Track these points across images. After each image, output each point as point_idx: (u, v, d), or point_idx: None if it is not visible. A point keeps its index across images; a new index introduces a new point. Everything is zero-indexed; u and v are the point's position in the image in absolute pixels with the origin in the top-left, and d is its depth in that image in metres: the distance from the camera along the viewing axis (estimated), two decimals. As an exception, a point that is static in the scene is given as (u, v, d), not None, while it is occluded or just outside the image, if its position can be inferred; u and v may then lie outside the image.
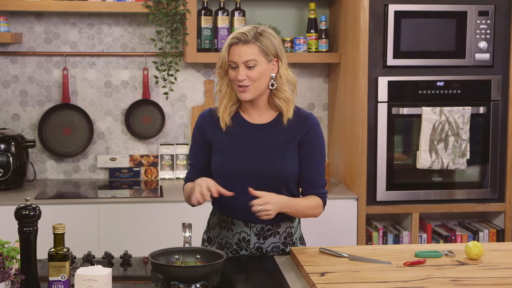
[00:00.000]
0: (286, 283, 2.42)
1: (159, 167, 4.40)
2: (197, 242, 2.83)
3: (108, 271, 2.12)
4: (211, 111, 2.76)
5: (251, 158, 2.68)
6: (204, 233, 2.88)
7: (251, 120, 2.72)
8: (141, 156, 4.41)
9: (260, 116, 2.72)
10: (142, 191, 4.18)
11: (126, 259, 2.62)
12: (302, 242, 2.86)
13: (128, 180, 4.36)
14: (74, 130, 4.34)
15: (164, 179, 4.39)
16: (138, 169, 4.40)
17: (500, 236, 4.06)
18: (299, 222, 2.85)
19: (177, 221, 3.72)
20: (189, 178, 2.80)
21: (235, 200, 2.65)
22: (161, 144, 4.42)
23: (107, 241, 3.75)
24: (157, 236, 3.77)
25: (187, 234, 2.50)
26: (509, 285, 2.34)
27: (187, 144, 4.42)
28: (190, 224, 2.54)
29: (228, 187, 2.62)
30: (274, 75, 2.69)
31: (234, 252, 2.74)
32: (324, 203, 2.76)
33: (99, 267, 2.14)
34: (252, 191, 2.57)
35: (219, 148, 2.71)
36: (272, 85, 2.69)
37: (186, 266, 2.33)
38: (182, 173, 4.39)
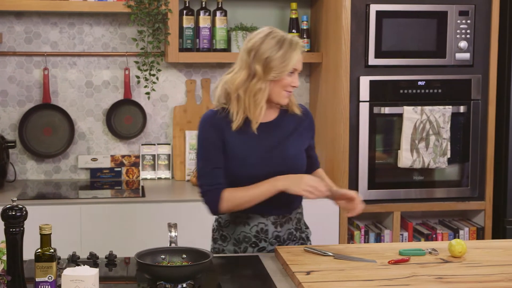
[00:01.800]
0: (272, 282, 2.43)
1: (140, 167, 4.39)
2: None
3: (95, 271, 2.12)
4: (216, 113, 2.75)
5: (270, 153, 2.75)
6: (214, 232, 2.91)
7: (262, 119, 2.77)
8: (123, 156, 4.40)
9: (267, 114, 2.78)
10: (124, 191, 4.17)
11: (111, 260, 2.62)
12: (307, 227, 2.97)
13: (109, 181, 4.34)
14: (55, 131, 4.32)
15: (146, 179, 4.38)
16: (120, 169, 4.39)
17: (480, 234, 4.10)
18: (302, 209, 2.95)
19: (159, 221, 3.73)
20: (221, 183, 2.74)
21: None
22: (142, 144, 4.41)
23: (89, 242, 3.73)
24: (140, 236, 3.76)
25: (173, 233, 2.50)
26: (493, 282, 2.36)
27: (169, 144, 4.41)
28: (176, 223, 2.54)
29: (244, 185, 2.71)
30: None
31: (253, 245, 2.80)
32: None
33: (86, 267, 2.14)
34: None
35: (231, 151, 2.73)
36: None
37: (173, 266, 2.33)
38: (164, 173, 4.39)
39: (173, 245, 2.47)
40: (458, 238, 4.06)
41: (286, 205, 2.82)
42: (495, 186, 4.10)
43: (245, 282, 2.45)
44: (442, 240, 4.05)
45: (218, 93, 2.78)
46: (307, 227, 2.98)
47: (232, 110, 2.73)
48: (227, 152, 2.73)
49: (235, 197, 2.71)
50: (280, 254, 2.65)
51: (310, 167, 2.90)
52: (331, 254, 2.63)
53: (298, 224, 2.89)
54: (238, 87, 2.71)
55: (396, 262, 2.56)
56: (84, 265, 2.20)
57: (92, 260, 2.57)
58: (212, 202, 2.73)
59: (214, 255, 2.71)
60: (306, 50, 2.72)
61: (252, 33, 2.79)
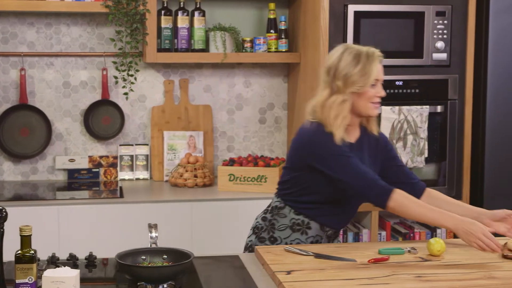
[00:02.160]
0: (253, 281, 2.43)
1: (118, 168, 4.38)
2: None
3: (76, 272, 2.11)
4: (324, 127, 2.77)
5: None
6: (262, 231, 2.91)
7: (347, 138, 2.79)
8: (100, 157, 4.38)
9: (353, 133, 2.84)
10: (102, 192, 4.15)
11: (91, 261, 2.60)
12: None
13: (87, 181, 4.32)
14: (32, 131, 4.29)
15: (124, 179, 4.37)
16: (98, 170, 4.37)
17: (457, 233, 4.12)
18: None
19: (138, 222, 3.73)
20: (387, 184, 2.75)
21: (334, 217, 2.87)
22: (120, 145, 4.40)
23: (67, 243, 3.71)
24: (119, 237, 3.75)
25: (154, 234, 2.49)
26: (472, 280, 2.38)
27: (147, 145, 4.40)
28: (156, 224, 2.54)
29: (319, 207, 2.82)
30: None
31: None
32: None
33: (67, 268, 2.13)
34: None
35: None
36: None
37: (154, 267, 2.33)
38: (142, 174, 4.38)
39: (153, 245, 2.47)
40: (436, 236, 4.08)
41: (347, 222, 2.97)
42: (472, 185, 4.13)
43: (226, 282, 2.45)
44: (419, 239, 4.07)
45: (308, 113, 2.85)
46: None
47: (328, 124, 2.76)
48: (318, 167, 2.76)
49: (408, 206, 2.69)
50: (261, 254, 2.66)
51: (405, 182, 2.88)
52: (311, 253, 2.64)
53: (338, 236, 3.00)
54: (323, 104, 2.76)
55: (376, 261, 2.57)
56: (64, 266, 2.19)
57: (72, 261, 2.56)
58: (383, 191, 2.70)
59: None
60: (382, 56, 2.79)
61: (330, 53, 2.84)
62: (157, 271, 2.28)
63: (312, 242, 2.86)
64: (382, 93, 2.78)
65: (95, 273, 2.55)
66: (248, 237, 2.99)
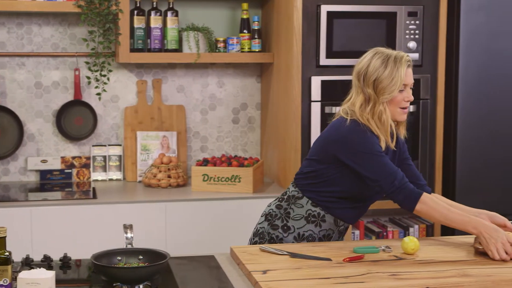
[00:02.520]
0: (229, 281, 2.43)
1: (91, 169, 4.36)
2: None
3: (51, 274, 2.10)
4: (365, 126, 2.79)
5: None
6: (276, 219, 2.93)
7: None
8: (73, 158, 4.35)
9: None
10: (75, 193, 4.12)
11: (66, 262, 2.59)
12: None
13: (59, 182, 4.30)
14: (4, 132, 4.25)
15: (97, 180, 4.35)
16: (70, 170, 4.34)
17: (429, 231, 4.16)
18: None
19: (112, 223, 3.72)
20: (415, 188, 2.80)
21: (352, 209, 2.92)
22: (93, 145, 4.37)
23: (41, 245, 3.68)
24: (92, 238, 3.73)
25: (129, 235, 2.49)
26: (446, 278, 2.41)
27: (120, 145, 4.38)
28: (131, 225, 2.53)
29: (338, 201, 2.87)
30: None
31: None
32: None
33: (42, 270, 2.11)
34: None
35: None
36: None
37: (130, 267, 2.32)
38: (115, 174, 4.36)
39: (129, 246, 2.46)
40: (409, 235, 4.11)
41: (358, 217, 2.99)
42: (444, 184, 4.17)
43: (202, 282, 2.46)
44: (392, 237, 4.10)
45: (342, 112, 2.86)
46: None
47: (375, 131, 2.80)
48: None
49: (434, 208, 2.74)
50: (236, 253, 2.66)
51: (414, 183, 2.92)
52: (286, 253, 2.64)
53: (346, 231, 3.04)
54: (362, 113, 2.79)
55: (351, 260, 2.59)
56: (39, 268, 2.17)
57: (47, 263, 2.55)
58: (413, 195, 2.74)
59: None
60: (410, 61, 2.82)
61: (361, 57, 2.88)
62: (133, 272, 2.27)
63: (324, 236, 2.90)
64: (411, 97, 2.81)
65: (69, 275, 2.54)
66: (259, 223, 3.00)
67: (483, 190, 4.13)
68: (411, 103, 4.02)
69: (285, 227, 2.92)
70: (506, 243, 2.61)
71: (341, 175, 2.82)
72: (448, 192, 4.16)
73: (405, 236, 4.04)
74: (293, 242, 2.89)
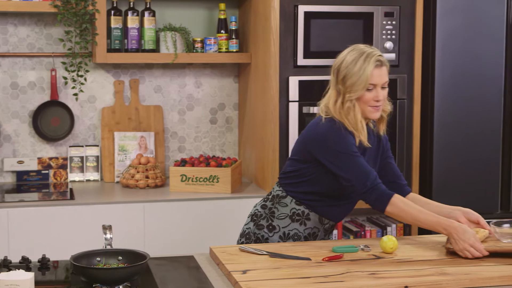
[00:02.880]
0: (209, 281, 2.44)
1: (68, 169, 4.33)
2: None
3: (30, 275, 2.09)
4: (340, 124, 2.80)
5: None
6: (261, 219, 2.94)
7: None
8: (50, 159, 4.33)
9: None
10: (52, 194, 4.10)
11: (44, 263, 2.57)
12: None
13: (36, 183, 4.27)
14: (-21, 133, 4.23)
15: (74, 181, 4.32)
16: (47, 171, 4.32)
17: (407, 230, 4.19)
18: None
19: (89, 224, 3.71)
20: (387, 189, 2.81)
21: (332, 207, 2.91)
22: (70, 146, 4.35)
23: (18, 246, 3.66)
24: (70, 239, 3.71)
25: (108, 235, 2.48)
26: (425, 276, 2.43)
27: (97, 146, 4.36)
28: (110, 225, 2.52)
29: (337, 194, 2.88)
30: None
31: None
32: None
33: (21, 271, 2.10)
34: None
35: None
36: None
37: (110, 268, 2.31)
38: (92, 175, 4.34)
39: (108, 247, 2.45)
40: (387, 234, 4.13)
41: (345, 215, 2.98)
42: (421, 183, 4.20)
43: (182, 283, 2.45)
44: (370, 237, 4.13)
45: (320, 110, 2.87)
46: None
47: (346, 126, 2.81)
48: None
49: (403, 210, 2.75)
50: (216, 254, 2.66)
51: (394, 182, 2.97)
52: (266, 253, 2.65)
53: (333, 230, 3.08)
54: (334, 110, 2.80)
55: (330, 259, 2.60)
56: (18, 269, 2.16)
57: (25, 264, 2.53)
58: (383, 196, 2.76)
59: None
60: (379, 61, 2.79)
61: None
62: (114, 273, 2.26)
63: (309, 234, 2.91)
64: (380, 97, 2.77)
65: (48, 276, 2.52)
66: (246, 224, 3.01)
67: (460, 189, 4.16)
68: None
69: (270, 227, 2.93)
70: (475, 243, 2.62)
71: (321, 173, 2.84)
72: (425, 191, 4.18)
73: (383, 235, 4.07)
74: (278, 242, 2.90)
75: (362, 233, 4.15)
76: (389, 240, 2.70)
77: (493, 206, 4.24)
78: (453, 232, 2.66)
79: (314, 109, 3.98)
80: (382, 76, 2.77)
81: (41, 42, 4.28)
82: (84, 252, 2.39)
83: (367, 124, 2.88)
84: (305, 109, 3.98)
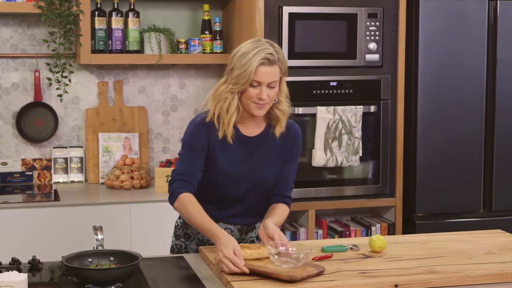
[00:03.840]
0: (200, 281, 2.44)
1: (52, 171, 4.32)
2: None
3: (24, 276, 2.08)
4: (209, 119, 2.71)
5: (246, 169, 2.75)
6: (178, 229, 2.92)
7: (245, 132, 2.76)
8: (34, 160, 4.31)
9: (254, 127, 2.77)
10: (36, 196, 4.08)
11: (34, 264, 2.56)
12: None
13: (20, 185, 4.25)
14: (-38, 134, 4.20)
15: (58, 182, 4.31)
16: (31, 173, 4.30)
17: (391, 230, 4.22)
18: None
19: (75, 225, 3.70)
20: (187, 187, 2.72)
21: (224, 210, 2.79)
22: (54, 147, 4.33)
23: (2, 248, 3.64)
24: (56, 240, 3.69)
25: (99, 236, 2.48)
26: (414, 275, 2.45)
27: (81, 147, 4.35)
28: (101, 226, 2.52)
29: (216, 195, 2.77)
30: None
31: None
32: (289, 206, 2.86)
33: (14, 273, 2.10)
34: (269, 237, 2.60)
35: (216, 157, 2.73)
36: (275, 99, 2.73)
37: (103, 269, 2.31)
38: (77, 176, 4.33)
39: (100, 247, 2.45)
40: (372, 234, 4.17)
41: (253, 216, 2.84)
42: (405, 183, 4.23)
43: (174, 283, 2.46)
44: (355, 236, 4.15)
45: (206, 97, 2.79)
46: None
47: (213, 117, 2.71)
48: (208, 157, 2.73)
49: (185, 208, 2.70)
50: (205, 254, 2.67)
51: (274, 190, 2.82)
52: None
53: (253, 230, 2.91)
54: (214, 95, 2.71)
55: (320, 259, 2.62)
56: (10, 271, 2.16)
57: (16, 266, 2.52)
58: (172, 191, 2.74)
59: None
60: (267, 59, 2.61)
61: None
62: (107, 273, 2.26)
63: None
64: (263, 96, 2.62)
65: (38, 277, 2.51)
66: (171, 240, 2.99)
67: (443, 189, 4.21)
68: (372, 103, 4.10)
69: (186, 235, 2.90)
70: (233, 258, 2.44)
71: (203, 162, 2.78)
72: (409, 191, 4.22)
73: (368, 235, 4.11)
74: (196, 249, 2.85)
75: (347, 233, 4.18)
76: (378, 239, 2.72)
77: (476, 206, 4.28)
78: (217, 241, 2.54)
79: (299, 110, 4.01)
80: (268, 74, 2.62)
81: (24, 43, 4.26)
82: (75, 253, 2.39)
83: (268, 124, 2.79)
84: (290, 110, 3.98)
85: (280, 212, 2.78)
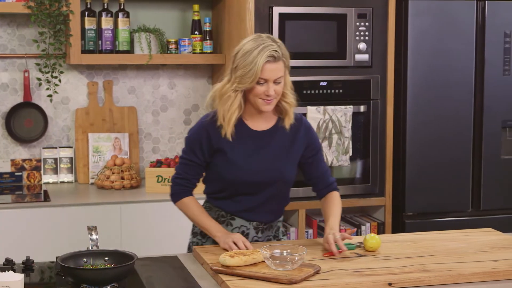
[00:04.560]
0: (195, 281, 2.45)
1: (42, 171, 4.31)
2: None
3: (20, 277, 2.08)
4: (214, 118, 2.76)
5: (258, 164, 2.78)
6: (195, 226, 2.94)
7: (254, 127, 2.79)
8: (23, 160, 4.30)
9: (261, 123, 2.80)
10: (25, 196, 4.07)
11: (28, 265, 2.56)
12: (284, 235, 3.05)
13: (9, 185, 4.24)
14: (-49, 135, 4.18)
15: (48, 183, 4.30)
16: (20, 173, 4.29)
17: (380, 229, 4.24)
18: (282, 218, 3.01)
19: (66, 225, 3.69)
20: (186, 192, 2.85)
21: (239, 203, 2.81)
22: (43, 148, 4.32)
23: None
24: (46, 241, 3.68)
25: (94, 236, 2.48)
26: (407, 273, 2.47)
27: (71, 147, 4.34)
28: (95, 226, 2.53)
29: (232, 190, 2.80)
30: None
31: None
32: (337, 189, 2.97)
33: (11, 273, 2.10)
34: (332, 244, 2.67)
35: (226, 156, 2.76)
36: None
37: (97, 269, 2.32)
38: (66, 177, 4.32)
39: (94, 248, 2.45)
40: (360, 233, 4.18)
41: (271, 214, 2.86)
42: (394, 183, 4.25)
43: (169, 282, 2.46)
44: (345, 236, 4.16)
45: (208, 97, 2.82)
46: (284, 235, 3.05)
47: (218, 116, 2.74)
48: (222, 158, 2.76)
49: (188, 209, 2.82)
50: (199, 253, 2.68)
51: (319, 184, 2.92)
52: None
53: (277, 231, 2.96)
54: (218, 94, 2.73)
55: (331, 255, 2.67)
56: (6, 271, 2.16)
57: (10, 266, 2.51)
58: (174, 193, 2.86)
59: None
60: (273, 56, 2.64)
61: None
62: (103, 273, 2.27)
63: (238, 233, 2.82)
64: (271, 92, 2.65)
65: (33, 278, 2.51)
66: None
67: (432, 188, 4.23)
68: (361, 103, 4.12)
69: (203, 233, 2.91)
70: (235, 239, 2.67)
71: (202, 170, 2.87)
72: (398, 190, 4.25)
73: (357, 234, 4.13)
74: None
75: (337, 232, 4.19)
76: (372, 238, 2.74)
77: (464, 205, 4.31)
78: (218, 240, 2.73)
79: (289, 110, 4.01)
80: (274, 71, 2.65)
81: (13, 43, 4.25)
82: (70, 253, 2.39)
83: (278, 117, 2.82)
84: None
85: (335, 204, 2.90)
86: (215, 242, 2.82)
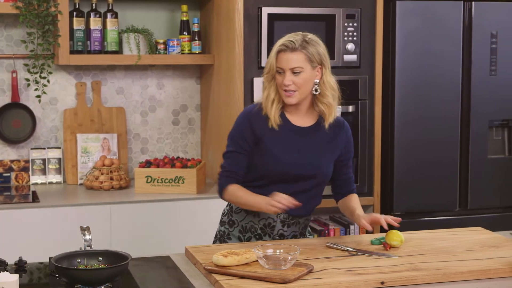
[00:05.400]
0: (188, 280, 2.46)
1: (30, 172, 4.29)
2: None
3: (15, 277, 2.08)
4: (258, 108, 2.86)
5: (296, 159, 2.84)
6: (224, 216, 2.99)
7: (295, 122, 2.87)
8: (11, 161, 4.28)
9: (302, 118, 2.89)
10: (14, 197, 4.06)
11: (21, 265, 2.56)
12: (311, 234, 3.09)
13: (-3, 186, 4.23)
14: None
15: (36, 184, 4.29)
16: (8, 174, 4.27)
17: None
18: (311, 217, 3.07)
19: (56, 226, 3.69)
20: (231, 177, 2.89)
21: (269, 194, 2.81)
22: (32, 148, 4.31)
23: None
24: (37, 242, 3.67)
25: (87, 236, 2.48)
26: (399, 272, 2.49)
27: (59, 148, 4.33)
28: (88, 227, 2.53)
29: (267, 184, 2.85)
30: (317, 81, 2.85)
31: (257, 237, 2.91)
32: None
33: (6, 274, 2.10)
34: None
35: (266, 147, 2.84)
36: (316, 90, 2.85)
37: (91, 269, 2.32)
38: (55, 177, 4.31)
39: (88, 248, 2.45)
40: (349, 233, 4.20)
41: (299, 208, 2.85)
42: (383, 182, 4.28)
43: (162, 283, 2.47)
44: (334, 235, 4.18)
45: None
46: (310, 234, 3.08)
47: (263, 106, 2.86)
48: (262, 147, 2.83)
49: (235, 195, 2.87)
50: (192, 253, 2.68)
51: (343, 187, 3.04)
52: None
53: (303, 229, 3.00)
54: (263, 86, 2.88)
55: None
56: (1, 272, 2.15)
57: (3, 267, 2.51)
58: (220, 186, 2.92)
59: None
60: (285, 45, 2.80)
61: None
62: (97, 274, 2.27)
63: (265, 225, 2.91)
64: (286, 82, 2.76)
65: (25, 278, 2.51)
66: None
67: (419, 187, 4.26)
68: (350, 103, 4.14)
69: (230, 222, 2.97)
70: (272, 201, 2.71)
71: (248, 160, 2.91)
72: (387, 190, 4.27)
73: (346, 234, 4.15)
74: (239, 236, 2.94)
75: (326, 231, 4.21)
76: (396, 234, 2.83)
77: (452, 204, 4.34)
78: (260, 204, 2.77)
79: (278, 110, 4.02)
80: (289, 61, 2.76)
81: (1, 44, 4.24)
82: (64, 253, 2.39)
83: (320, 117, 2.89)
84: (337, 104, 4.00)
85: (358, 201, 3.02)
86: (241, 232, 2.92)
